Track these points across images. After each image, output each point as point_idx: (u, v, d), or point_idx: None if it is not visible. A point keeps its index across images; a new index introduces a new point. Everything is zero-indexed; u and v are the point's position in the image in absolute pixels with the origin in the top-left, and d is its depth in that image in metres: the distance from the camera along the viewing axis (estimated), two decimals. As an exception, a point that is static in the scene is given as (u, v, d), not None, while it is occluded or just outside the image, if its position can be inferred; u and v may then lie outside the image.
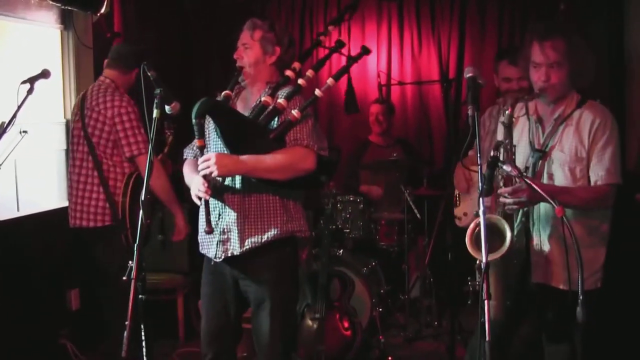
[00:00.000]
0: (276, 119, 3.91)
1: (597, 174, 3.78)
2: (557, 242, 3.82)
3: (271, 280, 4.02)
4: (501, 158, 3.57)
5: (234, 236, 3.94)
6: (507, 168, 3.50)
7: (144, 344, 3.51)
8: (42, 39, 6.26)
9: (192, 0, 7.88)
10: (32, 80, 4.69)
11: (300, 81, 4.04)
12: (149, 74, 3.72)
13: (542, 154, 3.85)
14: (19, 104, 4.57)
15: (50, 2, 5.93)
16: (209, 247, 4.06)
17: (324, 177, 4.15)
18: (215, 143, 4.00)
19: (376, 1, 8.04)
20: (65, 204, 5.49)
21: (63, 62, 6.49)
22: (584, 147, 3.79)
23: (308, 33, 8.30)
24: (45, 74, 4.82)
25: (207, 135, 4.00)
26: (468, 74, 3.57)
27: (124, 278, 3.36)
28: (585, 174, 3.82)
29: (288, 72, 4.09)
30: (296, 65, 4.13)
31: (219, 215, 3.97)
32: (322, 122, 8.22)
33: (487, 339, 3.02)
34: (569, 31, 3.84)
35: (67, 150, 6.26)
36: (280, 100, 3.90)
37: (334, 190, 6.51)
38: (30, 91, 4.64)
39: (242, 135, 3.86)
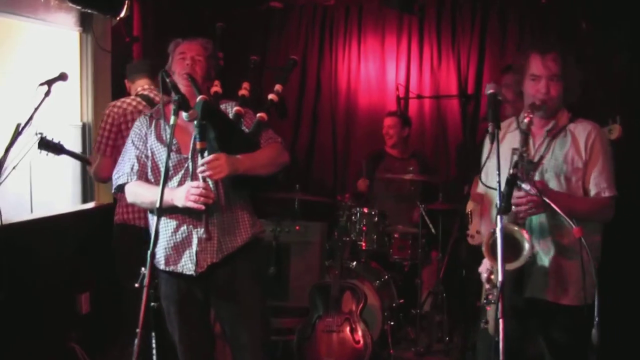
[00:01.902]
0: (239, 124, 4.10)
1: (600, 186, 3.77)
2: (553, 255, 3.78)
3: (244, 286, 4.05)
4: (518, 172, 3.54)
5: (213, 244, 3.92)
6: (526, 187, 3.48)
7: (154, 352, 3.49)
8: (61, 41, 6.26)
9: (210, 7, 7.85)
10: (49, 83, 4.70)
11: (241, 92, 4.29)
12: (167, 80, 3.70)
13: (534, 165, 3.81)
14: (36, 106, 4.56)
15: (70, 5, 5.91)
16: (178, 262, 3.98)
17: (280, 175, 4.20)
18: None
19: (397, 14, 8.01)
20: (80, 207, 5.46)
21: (81, 65, 6.50)
22: (580, 158, 3.79)
23: (327, 44, 8.31)
24: (63, 77, 4.82)
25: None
26: (489, 90, 3.55)
27: (136, 285, 3.33)
28: (581, 185, 3.80)
29: (215, 89, 4.23)
30: (217, 82, 4.25)
31: (193, 226, 3.93)
32: (339, 131, 8.28)
33: (501, 358, 2.99)
34: (564, 47, 3.85)
35: (82, 153, 6.29)
36: (237, 107, 4.13)
37: (349, 202, 6.49)
38: (47, 93, 4.66)
39: (232, 136, 3.94)
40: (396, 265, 6.92)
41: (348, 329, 5.86)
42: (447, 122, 8.03)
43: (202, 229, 3.82)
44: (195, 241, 3.91)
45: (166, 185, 3.80)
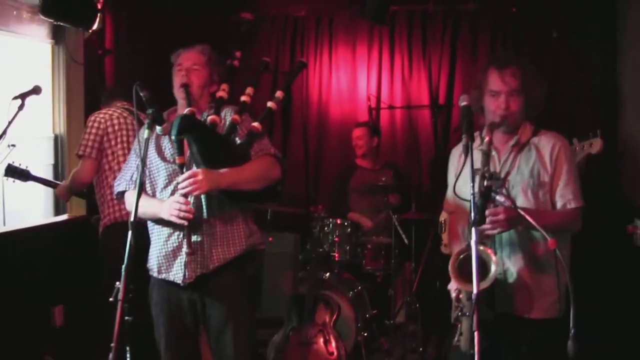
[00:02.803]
0: (233, 132, 4.02)
1: (566, 198, 3.76)
2: (524, 269, 3.77)
3: (235, 298, 4.03)
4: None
5: (203, 255, 3.91)
6: (500, 198, 3.48)
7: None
8: (33, 53, 6.24)
9: (183, 18, 7.83)
10: (23, 96, 4.70)
11: (243, 98, 4.16)
12: (141, 94, 3.70)
13: (500, 181, 3.81)
14: (10, 119, 4.55)
15: (42, 17, 5.89)
16: (169, 271, 3.99)
17: (279, 187, 4.15)
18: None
19: (367, 24, 8.01)
20: (53, 219, 5.42)
21: (53, 77, 6.48)
22: (546, 171, 3.78)
23: (298, 55, 8.27)
24: (36, 90, 4.82)
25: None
26: (463, 102, 3.55)
27: (111, 299, 3.32)
28: (548, 199, 3.79)
29: (221, 93, 4.16)
30: (224, 86, 4.20)
31: (184, 236, 3.89)
32: (311, 142, 8.29)
33: (476, 371, 3.00)
34: (523, 61, 3.86)
35: (55, 165, 6.28)
36: (234, 115, 4.03)
37: (322, 213, 6.49)
38: (21, 107, 4.65)
39: (217, 150, 3.90)
40: (369, 276, 6.92)
41: (322, 340, 5.85)
42: (418, 132, 8.04)
43: (192, 238, 3.84)
44: (183, 251, 3.90)
45: (156, 196, 3.96)
